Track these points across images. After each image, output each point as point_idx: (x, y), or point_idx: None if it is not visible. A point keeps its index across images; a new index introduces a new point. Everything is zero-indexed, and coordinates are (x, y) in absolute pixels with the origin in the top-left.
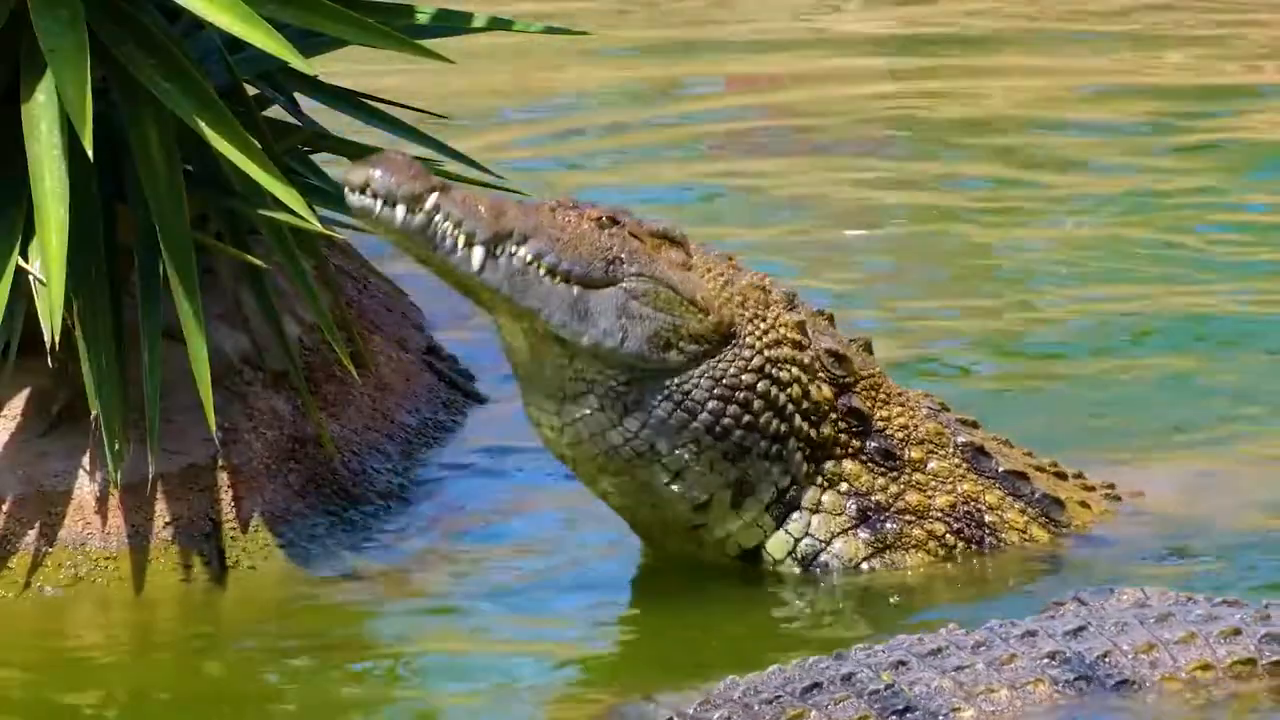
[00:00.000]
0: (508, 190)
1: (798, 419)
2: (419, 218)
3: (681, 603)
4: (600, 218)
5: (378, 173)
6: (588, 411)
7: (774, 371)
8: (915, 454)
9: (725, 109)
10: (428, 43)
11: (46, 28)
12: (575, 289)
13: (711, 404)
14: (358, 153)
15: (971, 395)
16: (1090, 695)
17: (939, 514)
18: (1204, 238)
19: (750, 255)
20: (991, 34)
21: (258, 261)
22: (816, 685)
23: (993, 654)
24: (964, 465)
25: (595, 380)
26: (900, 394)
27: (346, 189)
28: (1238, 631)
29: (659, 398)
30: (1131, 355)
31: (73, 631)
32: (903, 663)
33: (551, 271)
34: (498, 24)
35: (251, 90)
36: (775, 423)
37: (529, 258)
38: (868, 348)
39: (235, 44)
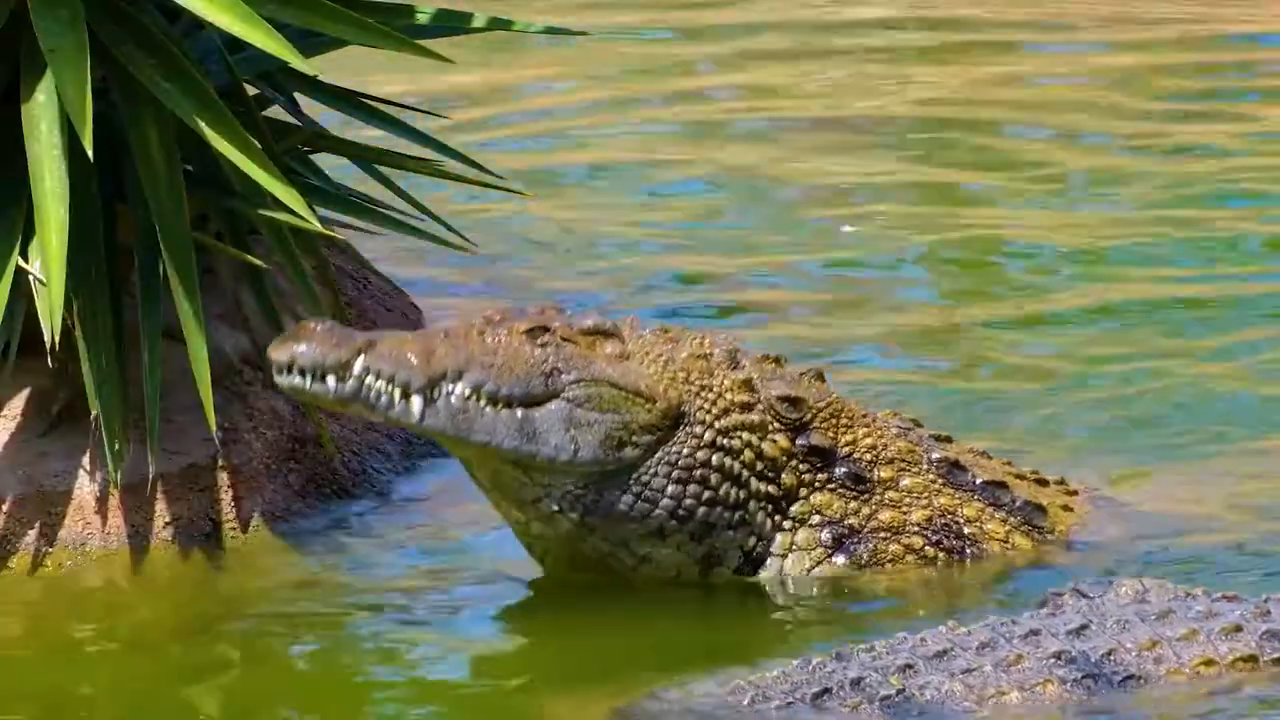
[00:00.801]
0: (507, 190)
1: (754, 482)
2: (350, 384)
3: (672, 610)
4: (531, 329)
5: (300, 348)
6: (547, 514)
7: (725, 442)
8: (886, 473)
9: (728, 89)
10: (428, 43)
11: (46, 28)
12: (519, 411)
13: (671, 489)
14: (358, 153)
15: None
16: (1098, 694)
17: (916, 528)
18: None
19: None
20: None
21: (258, 261)
22: (826, 691)
23: (999, 655)
24: (939, 480)
25: (552, 486)
26: (864, 415)
27: (273, 370)
28: (1239, 628)
29: (618, 493)
30: (1128, 352)
31: (73, 630)
32: (910, 666)
33: (493, 400)
34: (497, 24)
35: (251, 90)
36: (734, 491)
37: (467, 393)
38: (820, 377)
39: (235, 44)
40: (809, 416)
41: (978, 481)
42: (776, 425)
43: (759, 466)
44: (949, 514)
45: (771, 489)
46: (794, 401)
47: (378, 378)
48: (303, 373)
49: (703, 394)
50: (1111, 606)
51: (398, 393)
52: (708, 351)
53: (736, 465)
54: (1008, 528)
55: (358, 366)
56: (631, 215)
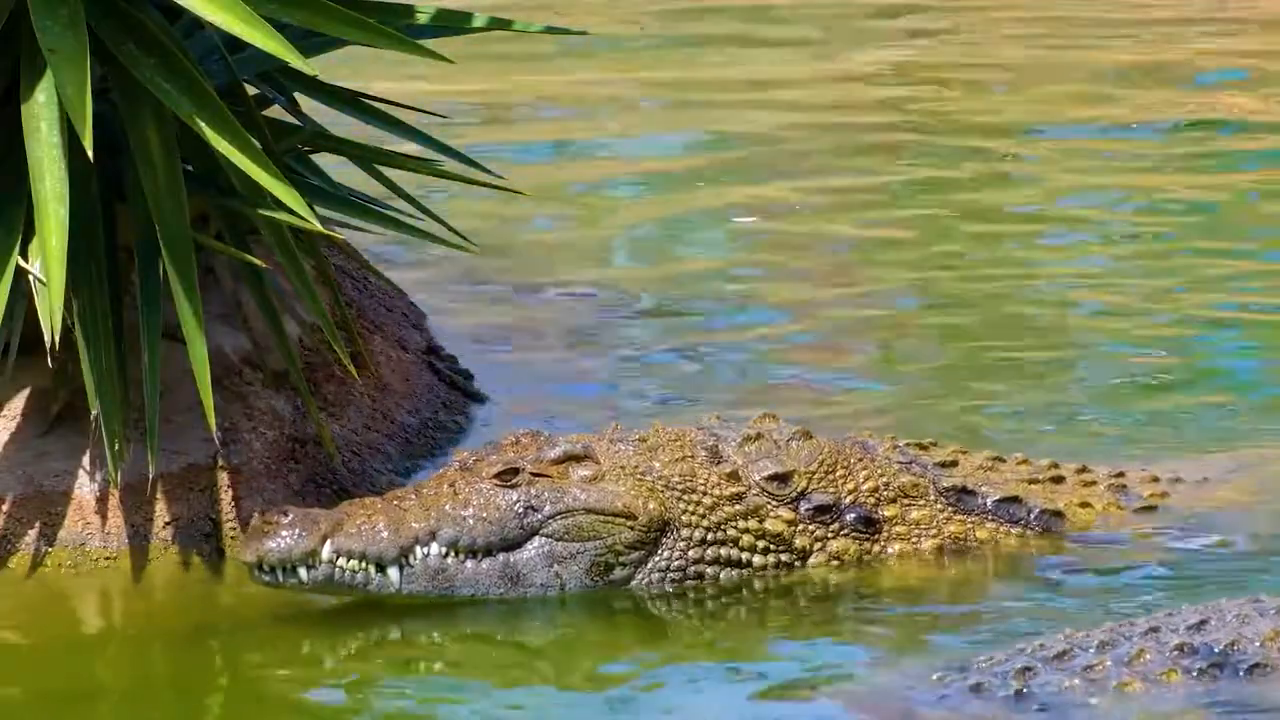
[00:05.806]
0: (507, 190)
1: (757, 558)
2: (322, 570)
3: (677, 612)
4: (501, 472)
5: (267, 544)
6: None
7: (720, 535)
8: (890, 511)
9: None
10: (428, 42)
11: (46, 28)
12: (500, 557)
13: (670, 587)
14: (358, 153)
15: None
16: (1223, 684)
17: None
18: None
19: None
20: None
21: (258, 261)
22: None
23: (1120, 652)
24: (948, 509)
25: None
26: (861, 458)
27: (246, 570)
28: None
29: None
30: (1152, 345)
31: (73, 630)
32: (1028, 668)
33: (471, 552)
34: (497, 24)
35: (251, 90)
36: (738, 572)
37: (444, 551)
38: (807, 434)
39: (235, 44)
40: (804, 484)
41: (989, 502)
42: (774, 503)
43: (761, 544)
44: (960, 540)
45: (784, 556)
46: (783, 478)
47: (349, 558)
48: (273, 570)
49: (686, 497)
50: (1228, 604)
51: (372, 568)
52: (688, 454)
53: (735, 552)
54: (1021, 542)
55: (326, 551)
56: (628, 214)
